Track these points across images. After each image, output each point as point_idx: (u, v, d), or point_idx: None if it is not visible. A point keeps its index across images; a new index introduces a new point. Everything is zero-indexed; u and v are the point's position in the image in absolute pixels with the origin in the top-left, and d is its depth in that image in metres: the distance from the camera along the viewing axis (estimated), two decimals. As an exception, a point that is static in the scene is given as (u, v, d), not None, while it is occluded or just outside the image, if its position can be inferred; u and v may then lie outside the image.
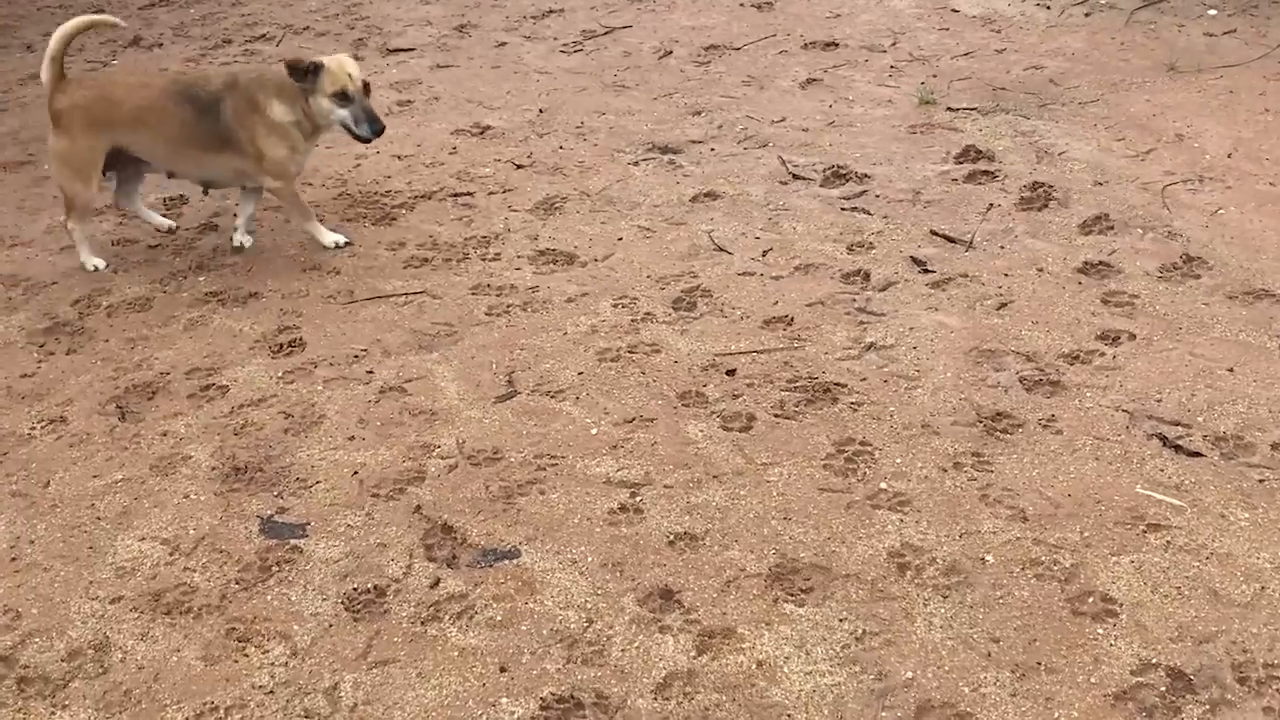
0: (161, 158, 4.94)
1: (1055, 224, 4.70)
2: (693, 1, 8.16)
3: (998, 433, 3.51)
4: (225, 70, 5.01)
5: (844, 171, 5.35)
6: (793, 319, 4.23)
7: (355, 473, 3.57)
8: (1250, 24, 6.78)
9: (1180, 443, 3.38)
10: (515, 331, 4.28)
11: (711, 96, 6.42)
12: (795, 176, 5.37)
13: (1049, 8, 7.36)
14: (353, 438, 3.74)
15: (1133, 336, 3.91)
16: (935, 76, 6.39)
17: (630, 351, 4.10)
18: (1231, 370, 3.70)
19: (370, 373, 4.08)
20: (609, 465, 3.51)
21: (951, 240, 4.66)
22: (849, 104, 6.16)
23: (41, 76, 4.83)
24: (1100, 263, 4.38)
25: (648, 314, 4.34)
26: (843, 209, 5.02)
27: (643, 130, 6.04)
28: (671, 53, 7.18)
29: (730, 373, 3.94)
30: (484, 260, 4.83)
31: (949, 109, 5.91)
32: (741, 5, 7.99)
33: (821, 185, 5.27)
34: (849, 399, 3.74)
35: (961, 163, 5.32)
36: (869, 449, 3.50)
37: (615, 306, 4.40)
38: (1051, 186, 4.96)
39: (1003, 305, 4.18)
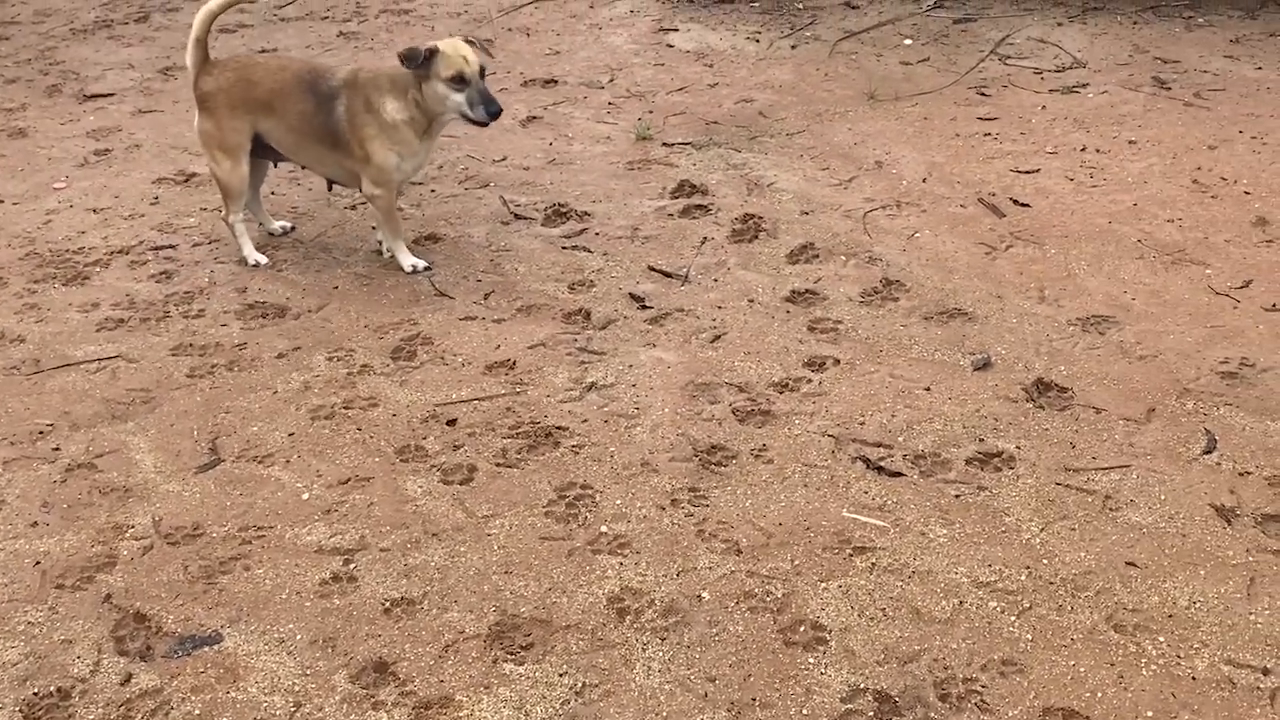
0: (286, 147, 4.86)
1: (765, 254, 4.84)
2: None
3: (713, 466, 3.55)
4: (351, 66, 4.84)
5: (565, 210, 5.35)
6: (515, 363, 4.17)
7: (37, 563, 3.26)
8: (942, 52, 7.22)
9: (882, 464, 3.51)
10: (220, 393, 4.04)
11: (431, 136, 6.31)
12: (517, 216, 5.33)
13: (758, 41, 7.63)
14: (35, 524, 3.42)
15: (837, 361, 4.05)
16: (651, 112, 6.50)
17: (346, 407, 3.94)
18: (928, 389, 3.88)
19: (56, 450, 3.76)
20: (321, 532, 3.34)
21: (668, 275, 4.72)
22: (569, 141, 6.18)
23: (186, 59, 4.84)
24: (807, 291, 4.53)
25: (365, 366, 4.18)
26: (564, 248, 5.02)
27: (360, 173, 5.86)
28: (390, 92, 7.02)
29: (451, 423, 3.84)
30: (186, 318, 4.55)
31: (665, 144, 6.02)
32: (461, 42, 7.92)
33: (543, 224, 5.25)
34: (570, 442, 3.71)
35: (677, 197, 5.41)
36: (590, 492, 3.47)
37: (330, 360, 4.22)
38: (761, 218, 5.11)
39: (717, 338, 4.25)
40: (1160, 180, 5.29)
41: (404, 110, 4.58)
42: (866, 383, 3.93)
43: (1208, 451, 3.52)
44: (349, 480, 3.57)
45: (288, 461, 3.67)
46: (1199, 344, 4.05)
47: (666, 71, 7.19)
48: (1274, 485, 3.36)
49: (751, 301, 4.48)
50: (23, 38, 8.52)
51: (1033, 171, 5.45)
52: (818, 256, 4.78)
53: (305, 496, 3.50)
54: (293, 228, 5.27)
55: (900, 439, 3.62)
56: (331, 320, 4.49)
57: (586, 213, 5.31)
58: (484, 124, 4.59)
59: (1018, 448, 3.56)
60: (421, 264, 4.88)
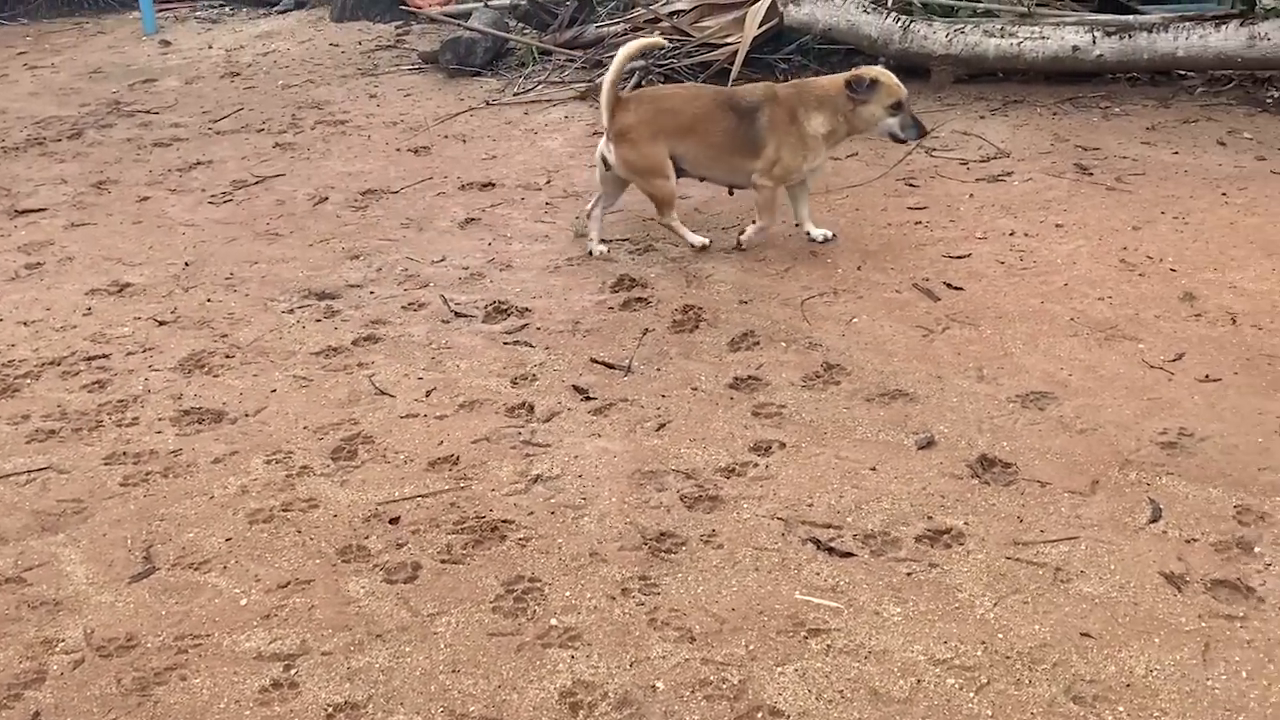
0: (703, 162, 5.65)
1: (706, 343, 4.85)
2: (348, 149, 8.09)
3: (662, 553, 3.50)
4: (763, 84, 5.80)
5: (505, 306, 5.35)
6: (458, 458, 4.11)
7: (-40, 683, 3.12)
8: (869, 147, 7.36)
9: (833, 545, 3.48)
10: (154, 501, 3.93)
11: (370, 240, 6.32)
12: (457, 314, 5.32)
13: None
14: (-42, 642, 3.28)
15: (783, 445, 4.04)
16: (589, 210, 6.55)
17: (285, 510, 3.85)
18: (874, 469, 3.88)
19: (-18, 565, 3.62)
20: (260, 638, 3.24)
21: (611, 367, 4.71)
22: (508, 241, 6.21)
23: (602, 98, 5.59)
24: (749, 377, 4.54)
25: (304, 467, 4.10)
26: (505, 343, 5.00)
27: (298, 277, 5.84)
28: (327, 199, 7.04)
29: (394, 521, 3.76)
30: (120, 426, 4.45)
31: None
32: (398, 150, 7.99)
33: (484, 321, 5.24)
34: (517, 535, 3.65)
35: (617, 291, 5.43)
36: (538, 585, 3.40)
37: (268, 463, 4.14)
38: (701, 308, 5.14)
39: (662, 426, 4.23)
40: (1089, 261, 5.41)
41: (826, 124, 5.45)
42: (813, 465, 3.92)
43: (1154, 520, 3.54)
44: (288, 584, 3.47)
45: (225, 567, 3.56)
46: (1137, 416, 4.11)
47: (602, 172, 7.27)
48: (1220, 551, 3.38)
49: (695, 389, 4.48)
50: (-48, 156, 8.45)
51: (964, 256, 5.55)
52: (758, 344, 4.81)
53: (243, 602, 3.39)
54: (603, 250, 5.88)
55: (849, 519, 3.61)
56: (269, 423, 4.42)
57: (527, 309, 5.31)
58: (905, 141, 5.64)
59: (966, 524, 3.56)
60: (829, 233, 5.79)
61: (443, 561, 3.54)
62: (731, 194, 6.19)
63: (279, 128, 8.80)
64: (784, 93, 5.52)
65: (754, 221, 5.75)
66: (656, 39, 6.46)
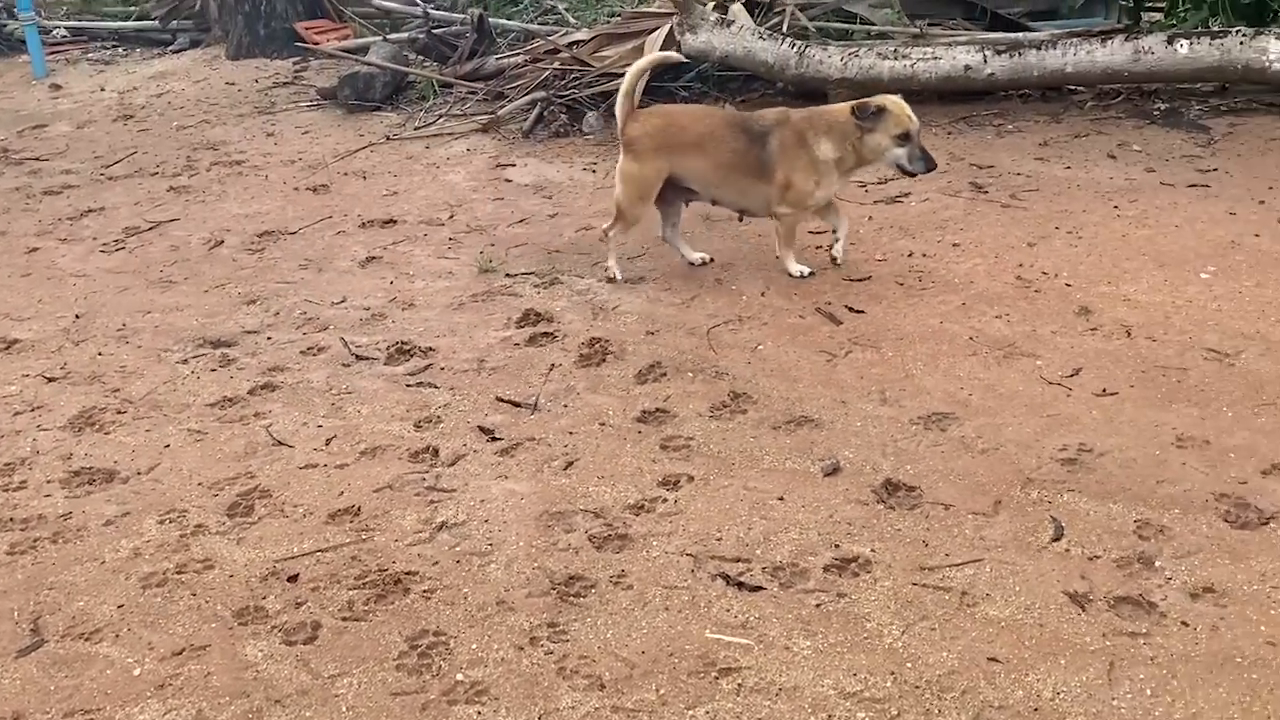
0: (711, 184, 5.59)
1: (613, 377, 4.82)
2: (245, 190, 7.94)
3: (571, 598, 3.44)
4: (777, 109, 5.72)
5: (408, 347, 5.26)
6: (360, 509, 4.01)
7: None
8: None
9: (742, 579, 3.45)
10: (43, 569, 3.77)
11: (267, 284, 6.19)
12: (358, 357, 5.21)
13: (595, 172, 7.75)
14: None
15: (691, 478, 4.01)
16: (493, 245, 6.50)
17: (179, 572, 3.71)
18: (782, 499, 3.86)
19: None
20: (155, 710, 3.11)
21: (517, 405, 4.65)
22: (410, 279, 6.12)
23: (616, 109, 5.65)
24: (657, 409, 4.51)
25: (199, 526, 3.97)
26: (408, 385, 4.91)
27: (192, 326, 5.68)
28: (223, 242, 6.89)
29: (293, 579, 3.65)
30: (6, 491, 4.27)
31: (508, 275, 6.01)
32: (296, 190, 7.86)
33: (386, 363, 5.15)
34: (421, 587, 3.56)
35: (522, 327, 5.38)
36: (444, 639, 3.32)
37: (161, 523, 4.00)
38: (608, 341, 5.10)
39: (570, 464, 4.18)
40: (985, 279, 5.48)
41: (836, 151, 5.34)
42: (721, 497, 3.89)
43: (1056, 539, 3.57)
44: (183, 650, 3.34)
45: (117, 636, 3.42)
46: (1037, 434, 4.15)
47: (506, 205, 7.23)
48: (1123, 567, 3.41)
49: (603, 425, 4.44)
50: None
51: (864, 279, 5.59)
52: (665, 375, 4.78)
53: (136, 672, 3.26)
54: (711, 259, 5.89)
55: (758, 551, 3.58)
56: (163, 481, 4.27)
57: (431, 348, 5.23)
58: (914, 175, 5.46)
59: (873, 550, 3.55)
60: (806, 270, 5.59)
61: (344, 619, 3.44)
62: (741, 220, 6.16)
63: (173, 171, 8.62)
64: (796, 118, 5.48)
65: (777, 256, 5.73)
66: (673, 54, 6.71)
